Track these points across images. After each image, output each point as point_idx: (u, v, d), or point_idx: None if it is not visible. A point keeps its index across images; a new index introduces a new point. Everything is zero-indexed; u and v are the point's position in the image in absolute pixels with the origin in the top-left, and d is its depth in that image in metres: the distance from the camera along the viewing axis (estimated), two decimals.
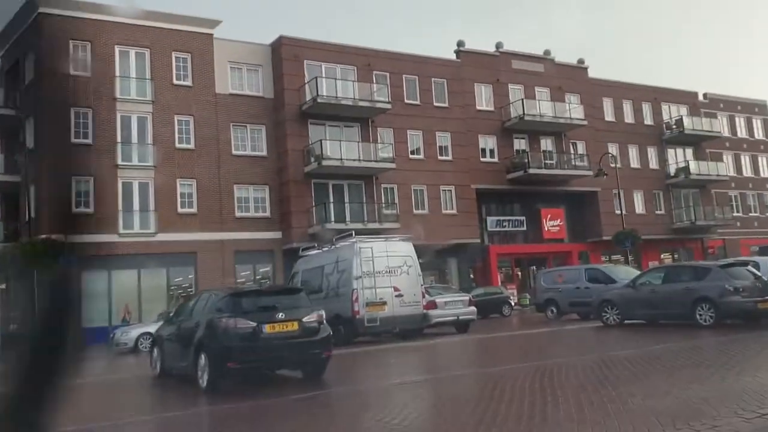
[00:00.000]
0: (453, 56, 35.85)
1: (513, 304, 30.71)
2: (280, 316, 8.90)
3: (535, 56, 38.35)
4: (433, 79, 34.36)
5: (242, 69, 30.42)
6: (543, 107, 36.47)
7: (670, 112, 42.99)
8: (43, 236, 21.04)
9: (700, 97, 45.28)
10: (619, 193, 32.21)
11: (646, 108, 42.02)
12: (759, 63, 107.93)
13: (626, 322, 16.18)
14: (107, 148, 26.54)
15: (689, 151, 43.00)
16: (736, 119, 47.04)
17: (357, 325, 15.41)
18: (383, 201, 31.69)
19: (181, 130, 28.57)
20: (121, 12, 26.38)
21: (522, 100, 35.88)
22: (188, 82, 28.98)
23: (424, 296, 16.79)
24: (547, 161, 36.64)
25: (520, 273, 37.29)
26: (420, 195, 33.18)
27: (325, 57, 31.37)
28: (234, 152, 29.47)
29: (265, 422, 7.06)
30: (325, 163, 28.99)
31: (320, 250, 18.10)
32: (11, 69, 29.52)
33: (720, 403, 5.78)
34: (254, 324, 8.65)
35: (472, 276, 35.35)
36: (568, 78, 38.75)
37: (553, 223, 38.04)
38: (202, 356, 8.92)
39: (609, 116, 40.36)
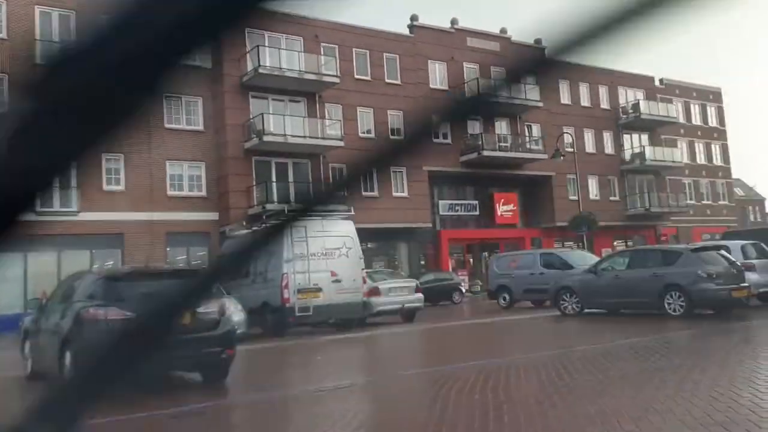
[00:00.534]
0: (406, 31, 34.09)
1: (464, 290, 29.50)
2: None
3: (491, 34, 36.91)
4: (384, 54, 32.56)
5: None
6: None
7: (627, 96, 42.21)
8: None
9: (657, 83, 44.62)
10: (577, 176, 31.07)
11: (603, 91, 41.11)
12: (715, 49, 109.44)
13: (586, 311, 14.83)
14: None
15: (645, 137, 42.31)
16: (691, 106, 46.61)
17: (286, 315, 13.55)
18: (330, 181, 29.80)
19: None
20: None
21: (477, 79, 34.36)
22: None
23: (365, 282, 14.97)
24: (502, 144, 35.44)
25: (471, 259, 36.11)
26: (369, 176, 31.25)
27: (269, 25, 29.12)
28: (167, 125, 27.13)
29: None
30: (266, 138, 26.94)
31: (249, 231, 16.13)
32: None
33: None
34: (131, 315, 6.75)
35: (423, 262, 33.95)
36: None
37: (506, 208, 36.88)
38: (67, 355, 7.00)
39: (565, 99, 39.29)
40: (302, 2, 0.63)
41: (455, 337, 13.58)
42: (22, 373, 9.61)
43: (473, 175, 35.00)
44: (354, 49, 31.54)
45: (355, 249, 14.73)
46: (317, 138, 28.62)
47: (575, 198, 32.43)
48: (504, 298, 20.42)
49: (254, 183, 27.72)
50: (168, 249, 26.94)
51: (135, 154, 26.34)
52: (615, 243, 38.65)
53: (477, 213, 35.97)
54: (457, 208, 35.58)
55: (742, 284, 12.39)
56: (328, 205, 0.69)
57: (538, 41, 38.76)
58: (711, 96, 47.99)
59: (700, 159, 46.45)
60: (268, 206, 26.16)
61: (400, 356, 10.71)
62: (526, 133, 37.04)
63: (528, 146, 36.41)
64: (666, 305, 12.51)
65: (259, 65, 27.04)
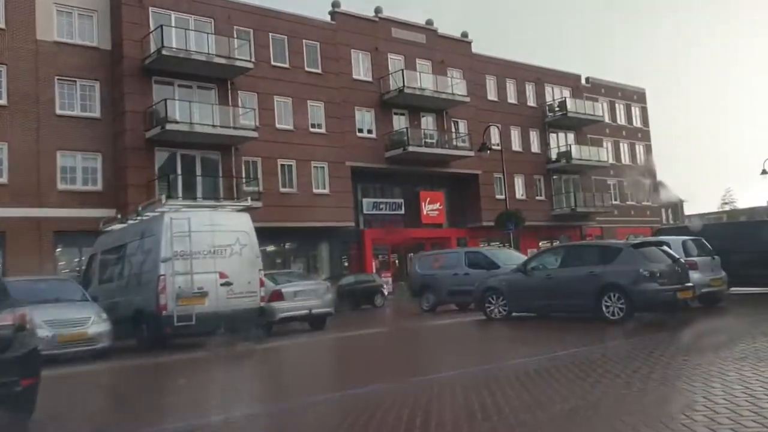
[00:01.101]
0: (327, 18, 32.13)
1: (387, 293, 27.81)
2: None
3: (416, 25, 35.41)
4: (304, 40, 30.46)
5: (73, 13, 25.12)
6: (424, 81, 33.58)
7: (554, 94, 41.63)
8: None
9: (583, 81, 44.28)
10: (503, 174, 29.82)
11: (530, 88, 40.32)
12: (639, 50, 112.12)
13: (514, 314, 13.27)
14: None
15: (570, 136, 41.80)
16: (617, 105, 46.55)
17: (163, 325, 11.30)
18: (243, 176, 27.48)
19: None
20: None
21: (402, 71, 32.78)
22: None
23: (262, 285, 12.81)
24: (428, 140, 33.97)
25: (397, 260, 34.47)
26: (288, 171, 29.26)
27: (176, 5, 26.64)
28: (59, 111, 24.28)
29: None
30: (170, 127, 24.40)
31: (124, 224, 13.78)
32: None
33: None
34: None
35: (346, 263, 32.06)
36: (450, 51, 36.11)
37: (432, 207, 35.48)
38: None
39: (492, 95, 38.28)
40: None
41: (365, 349, 11.65)
42: None
43: (399, 171, 33.42)
44: (271, 34, 29.33)
45: (251, 246, 12.57)
46: (228, 128, 26.25)
47: (502, 197, 31.35)
48: (427, 301, 18.88)
49: (156, 176, 25.12)
50: (58, 250, 24.10)
51: (20, 142, 23.37)
52: (541, 243, 37.84)
53: (402, 212, 34.40)
54: (381, 206, 33.90)
55: (687, 284, 11.04)
56: None
57: (464, 35, 37.67)
58: (635, 96, 48.15)
59: (625, 159, 46.46)
60: (171, 202, 23.61)
61: (291, 378, 8.65)
62: (453, 129, 35.74)
63: (455, 143, 35.11)
64: (604, 308, 11.02)
65: (163, 46, 24.50)
